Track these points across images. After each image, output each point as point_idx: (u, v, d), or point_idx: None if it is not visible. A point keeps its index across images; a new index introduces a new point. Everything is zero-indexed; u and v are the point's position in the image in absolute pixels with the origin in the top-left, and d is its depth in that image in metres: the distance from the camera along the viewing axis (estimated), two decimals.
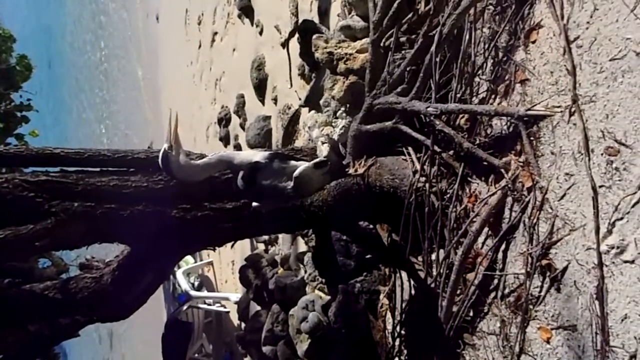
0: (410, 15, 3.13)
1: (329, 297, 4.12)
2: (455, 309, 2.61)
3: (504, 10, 2.50)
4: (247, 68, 6.65)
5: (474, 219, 2.50)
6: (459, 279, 2.57)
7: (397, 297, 3.29)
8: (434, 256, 2.82)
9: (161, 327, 8.63)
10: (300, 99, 5.06)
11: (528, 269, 2.20)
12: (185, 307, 8.70)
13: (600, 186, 1.93)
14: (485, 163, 2.46)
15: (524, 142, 2.24)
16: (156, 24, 14.31)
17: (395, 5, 2.96)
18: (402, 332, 3.26)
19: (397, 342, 3.29)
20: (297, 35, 4.84)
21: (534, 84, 2.29)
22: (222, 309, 8.84)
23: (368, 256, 3.68)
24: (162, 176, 2.89)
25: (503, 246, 2.41)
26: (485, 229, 2.49)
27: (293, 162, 2.38)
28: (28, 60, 8.02)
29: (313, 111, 4.53)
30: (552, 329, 2.13)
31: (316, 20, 4.69)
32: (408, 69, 2.93)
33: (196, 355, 9.00)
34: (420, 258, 2.93)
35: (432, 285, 2.82)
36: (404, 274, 3.18)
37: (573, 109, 2.05)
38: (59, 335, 3.73)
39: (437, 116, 2.61)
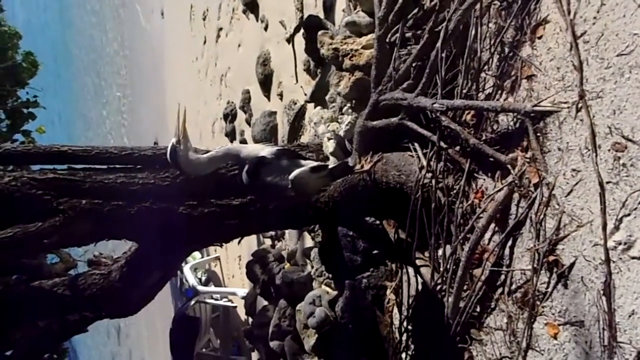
0: (415, 11, 3.12)
1: (335, 293, 4.13)
2: (462, 304, 2.62)
3: (510, 5, 2.49)
4: (253, 64, 6.65)
5: (481, 215, 2.50)
6: (466, 274, 2.57)
7: (403, 292, 3.29)
8: (440, 252, 2.82)
9: (169, 322, 8.66)
10: (305, 94, 5.05)
11: (535, 265, 2.20)
12: (192, 302, 8.72)
13: (608, 182, 1.92)
14: (491, 159, 2.45)
15: (530, 138, 2.24)
16: (161, 19, 14.31)
17: (400, 0, 2.95)
18: (409, 327, 3.27)
19: (404, 338, 3.30)
20: (302, 31, 4.83)
21: (540, 80, 2.28)
22: (229, 304, 8.87)
23: (375, 252, 3.68)
24: (169, 173, 2.91)
25: (510, 242, 2.40)
26: (492, 225, 2.48)
27: (300, 161, 2.38)
28: (34, 56, 8.06)
29: (319, 107, 4.53)
30: (559, 325, 2.14)
31: (321, 15, 4.68)
32: (414, 64, 2.93)
33: (204, 350, 9.03)
34: (427, 254, 2.93)
35: (439, 281, 2.82)
36: (410, 270, 3.19)
37: (580, 105, 2.04)
38: (67, 331, 3.76)
39: (443, 112, 2.61)
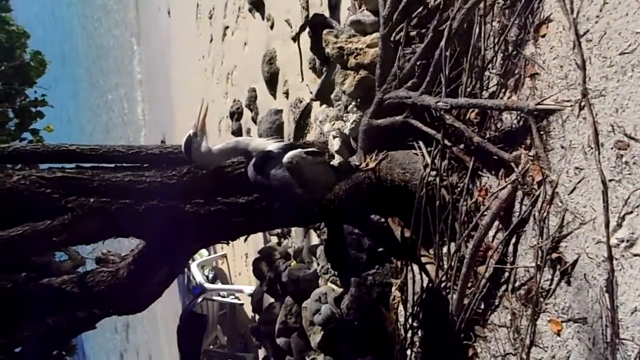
0: (420, 10, 3.12)
1: (341, 290, 4.15)
2: (466, 301, 2.63)
3: (514, 4, 2.50)
4: (259, 62, 6.66)
5: (485, 213, 2.52)
6: (470, 272, 2.59)
7: (409, 289, 3.31)
8: (445, 249, 2.84)
9: (176, 319, 8.71)
10: (311, 92, 5.07)
11: (538, 262, 2.22)
12: (199, 300, 8.76)
13: (610, 180, 1.93)
14: (495, 157, 2.47)
15: (533, 136, 2.25)
16: (167, 18, 14.35)
17: None
18: (414, 324, 3.29)
19: (409, 334, 3.32)
20: (307, 29, 4.85)
21: (543, 78, 2.29)
22: (236, 301, 8.90)
23: (380, 249, 3.70)
24: (176, 171, 2.93)
25: (513, 239, 2.42)
26: (496, 223, 2.50)
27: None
28: (42, 56, 8.11)
29: (324, 105, 4.55)
30: (562, 322, 2.15)
31: (327, 14, 4.69)
32: (418, 63, 2.94)
33: (211, 346, 9.07)
34: (431, 251, 2.95)
35: (444, 278, 2.84)
36: (415, 267, 3.20)
37: (583, 103, 2.05)
38: (76, 328, 3.80)
39: (447, 110, 2.62)
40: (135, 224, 2.83)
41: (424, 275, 3.08)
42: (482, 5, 2.61)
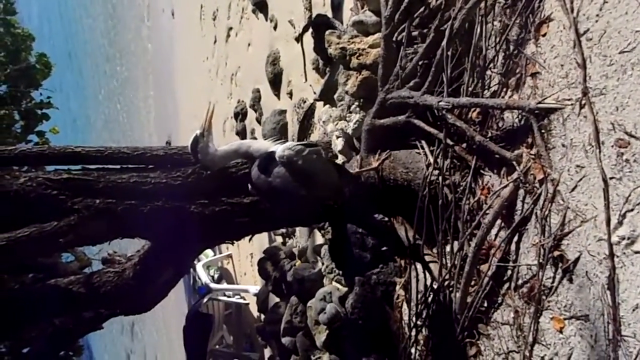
0: (422, 10, 3.14)
1: (346, 289, 4.16)
2: (469, 299, 2.65)
3: (515, 3, 2.51)
4: (262, 63, 6.69)
5: (487, 211, 2.53)
6: (473, 270, 2.60)
7: (412, 288, 3.32)
8: (448, 248, 2.85)
9: (182, 319, 8.74)
10: (315, 93, 5.09)
11: (540, 260, 2.23)
12: (205, 300, 8.78)
13: (611, 178, 1.95)
14: (497, 156, 2.48)
15: (535, 135, 2.26)
16: (171, 19, 14.39)
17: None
18: (418, 322, 3.30)
19: (413, 333, 3.33)
20: (311, 30, 4.86)
21: (544, 77, 2.30)
22: (241, 301, 8.93)
23: (383, 248, 3.71)
24: (181, 172, 2.95)
25: (516, 238, 2.43)
26: (498, 221, 2.52)
27: None
28: (47, 58, 8.14)
29: (327, 105, 4.57)
30: (564, 319, 2.16)
31: (329, 14, 4.71)
32: (420, 63, 2.95)
33: (217, 346, 9.09)
34: (434, 250, 2.96)
35: (447, 276, 2.85)
36: (419, 266, 3.22)
37: (583, 102, 2.07)
38: (83, 328, 3.82)
39: (449, 110, 2.64)
40: (140, 225, 2.85)
41: (427, 274, 3.10)
42: (483, 5, 2.63)
